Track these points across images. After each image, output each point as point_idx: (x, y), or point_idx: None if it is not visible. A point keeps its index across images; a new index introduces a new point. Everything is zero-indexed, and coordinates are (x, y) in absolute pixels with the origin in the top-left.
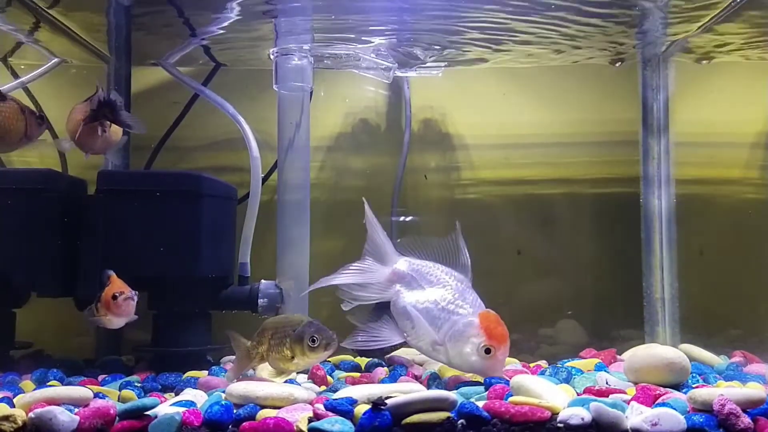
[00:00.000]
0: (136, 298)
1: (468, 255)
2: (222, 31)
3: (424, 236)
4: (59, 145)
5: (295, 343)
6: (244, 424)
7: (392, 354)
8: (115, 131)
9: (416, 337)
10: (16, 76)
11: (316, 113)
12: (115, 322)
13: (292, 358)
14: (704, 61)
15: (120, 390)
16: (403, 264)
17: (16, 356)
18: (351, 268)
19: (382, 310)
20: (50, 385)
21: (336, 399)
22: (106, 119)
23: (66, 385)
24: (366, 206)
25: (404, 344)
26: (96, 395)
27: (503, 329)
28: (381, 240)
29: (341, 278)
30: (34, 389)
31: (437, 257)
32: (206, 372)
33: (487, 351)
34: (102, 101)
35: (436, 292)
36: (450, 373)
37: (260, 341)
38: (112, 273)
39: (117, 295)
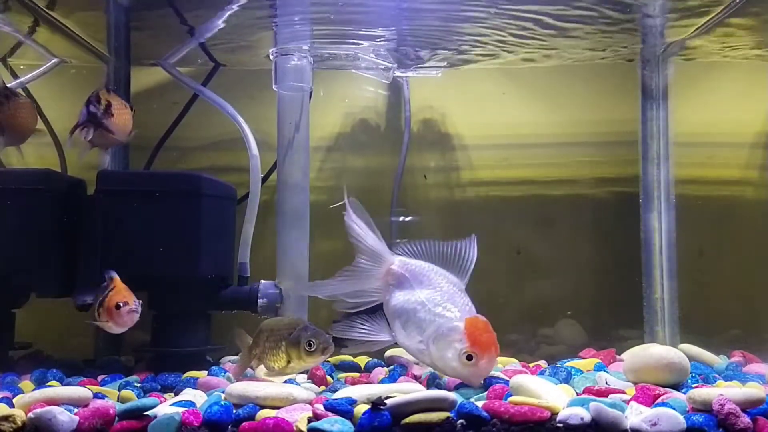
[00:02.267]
0: (140, 308)
1: (473, 262)
2: (221, 31)
3: (432, 239)
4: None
5: (291, 346)
6: (243, 424)
7: (392, 354)
8: (117, 126)
9: (405, 337)
10: (15, 76)
11: (315, 113)
12: (116, 329)
13: (288, 361)
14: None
15: (119, 390)
16: (397, 263)
17: (15, 357)
18: (346, 273)
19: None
20: (49, 386)
21: (335, 399)
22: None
23: (65, 385)
24: (350, 212)
25: (394, 344)
26: (95, 395)
27: (490, 337)
28: (374, 242)
29: (338, 286)
30: (34, 389)
31: (438, 258)
32: (206, 372)
33: (469, 358)
34: (89, 112)
35: (424, 293)
36: None
37: (257, 342)
38: (114, 275)
39: (121, 305)
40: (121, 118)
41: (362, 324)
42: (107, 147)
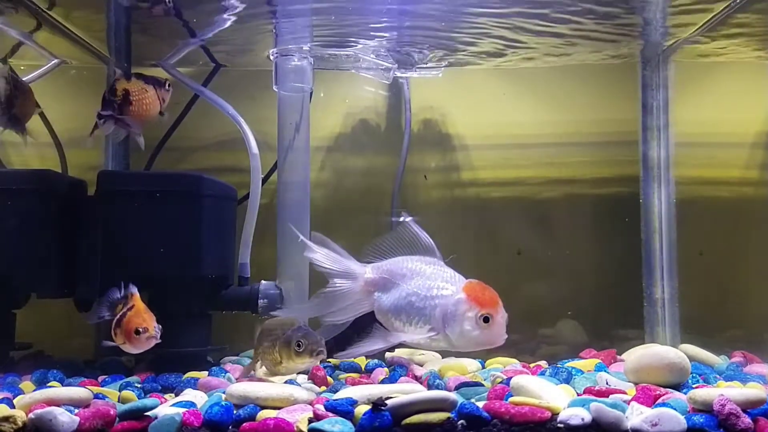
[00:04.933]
0: (159, 333)
1: (428, 235)
2: (222, 31)
3: (380, 237)
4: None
5: (282, 347)
6: (244, 424)
7: (393, 355)
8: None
9: (412, 332)
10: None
11: (316, 114)
12: (132, 350)
13: (281, 361)
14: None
15: (120, 391)
16: (371, 271)
17: (16, 357)
18: (323, 295)
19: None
20: (50, 386)
21: (336, 399)
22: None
23: (66, 385)
24: (310, 246)
25: (401, 344)
26: (96, 396)
27: (492, 292)
28: (341, 260)
29: (317, 308)
30: (34, 390)
31: (400, 250)
32: (206, 372)
33: (485, 320)
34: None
35: (412, 284)
36: (450, 373)
37: (259, 343)
38: (135, 291)
39: (141, 330)
40: (141, 103)
41: (361, 339)
42: (138, 129)
